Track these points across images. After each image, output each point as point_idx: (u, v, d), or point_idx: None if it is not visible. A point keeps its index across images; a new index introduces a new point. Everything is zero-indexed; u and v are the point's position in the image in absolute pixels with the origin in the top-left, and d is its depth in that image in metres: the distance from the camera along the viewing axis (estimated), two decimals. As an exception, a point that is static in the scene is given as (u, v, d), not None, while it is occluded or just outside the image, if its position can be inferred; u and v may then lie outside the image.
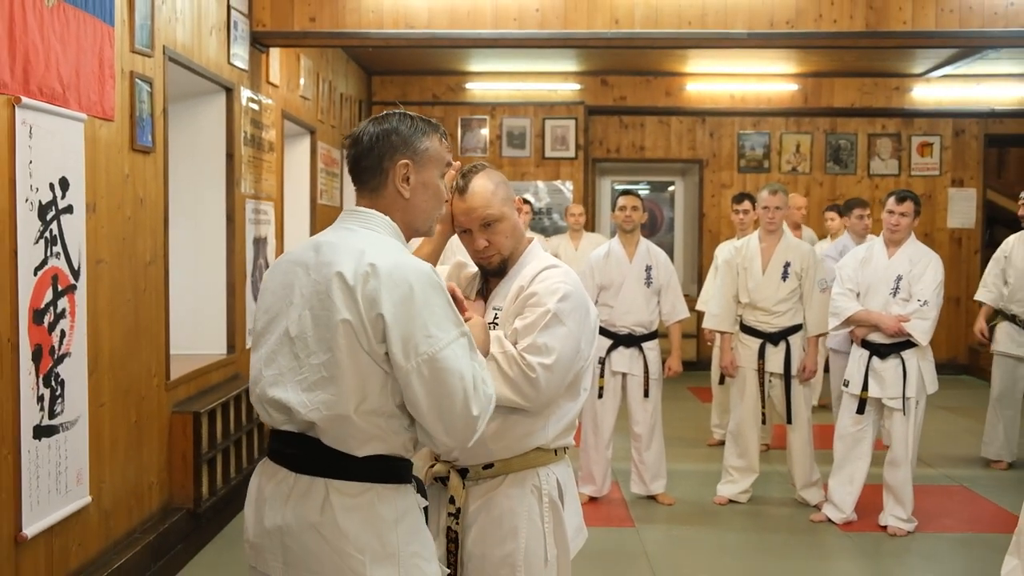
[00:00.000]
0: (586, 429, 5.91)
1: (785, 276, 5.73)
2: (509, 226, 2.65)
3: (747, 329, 5.85)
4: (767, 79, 10.89)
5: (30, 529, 3.68)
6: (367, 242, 2.22)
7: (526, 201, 9.49)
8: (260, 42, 6.61)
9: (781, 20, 6.30)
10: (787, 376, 5.76)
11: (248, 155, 6.53)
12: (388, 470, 2.21)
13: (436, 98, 11.15)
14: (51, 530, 3.88)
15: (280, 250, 7.31)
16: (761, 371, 5.78)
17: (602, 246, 6.03)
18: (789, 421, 5.78)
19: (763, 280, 5.77)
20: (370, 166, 2.29)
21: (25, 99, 3.60)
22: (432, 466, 2.72)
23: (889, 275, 5.30)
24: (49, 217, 3.83)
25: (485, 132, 11.12)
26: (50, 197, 3.83)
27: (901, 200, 5.30)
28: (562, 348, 2.53)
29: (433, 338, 2.11)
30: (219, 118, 6.12)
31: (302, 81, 7.97)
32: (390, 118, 2.32)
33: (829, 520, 5.55)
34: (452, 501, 2.65)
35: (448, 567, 2.61)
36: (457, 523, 2.63)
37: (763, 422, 5.91)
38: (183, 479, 5.16)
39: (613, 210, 6.00)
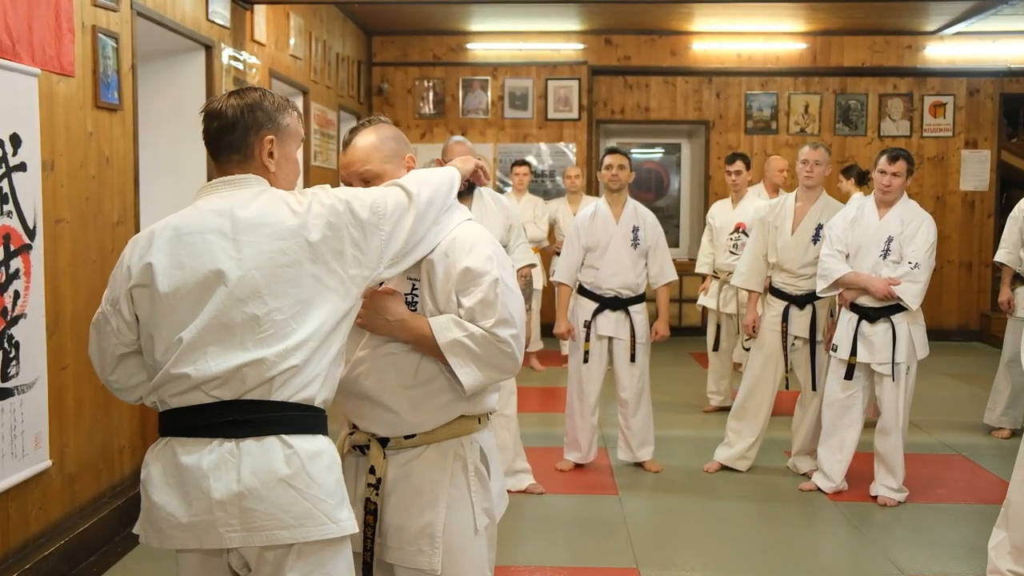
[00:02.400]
0: (571, 394, 5.79)
1: (816, 238, 5.53)
2: None
3: (774, 291, 5.69)
4: (775, 37, 10.63)
5: (-19, 493, 3.61)
6: (273, 195, 2.28)
7: (524, 163, 9.32)
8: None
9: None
10: (812, 341, 5.59)
11: (231, 115, 6.38)
12: (323, 421, 2.30)
13: (437, 58, 10.97)
14: (7, 494, 3.81)
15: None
16: (784, 335, 5.62)
17: (588, 206, 5.87)
18: (814, 387, 5.62)
19: (792, 241, 5.59)
20: (235, 140, 2.31)
21: (-32, 52, 3.49)
22: (351, 434, 2.63)
23: (880, 236, 5.12)
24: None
25: (487, 93, 10.94)
26: (0, 154, 3.72)
27: (893, 159, 5.11)
28: (519, 311, 2.50)
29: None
30: (198, 76, 6.00)
31: (292, 40, 7.81)
32: (252, 93, 2.35)
33: (819, 489, 5.42)
34: (372, 471, 2.55)
35: (366, 539, 2.51)
36: (376, 494, 2.52)
37: (786, 387, 5.75)
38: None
39: (598, 169, 5.83)
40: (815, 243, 5.51)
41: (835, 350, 5.28)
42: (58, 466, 4.19)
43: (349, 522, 2.24)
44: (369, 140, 2.55)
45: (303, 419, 2.23)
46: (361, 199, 2.30)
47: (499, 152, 10.89)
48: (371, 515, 2.55)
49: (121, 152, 4.81)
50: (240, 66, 6.55)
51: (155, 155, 5.69)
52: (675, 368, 9.12)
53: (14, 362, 3.81)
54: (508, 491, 5.15)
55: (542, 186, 10.76)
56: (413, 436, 2.54)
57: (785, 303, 5.62)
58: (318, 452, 2.23)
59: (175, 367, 2.18)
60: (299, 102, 8.28)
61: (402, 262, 2.37)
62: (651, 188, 11.72)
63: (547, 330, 8.25)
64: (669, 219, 11.63)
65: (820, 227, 5.52)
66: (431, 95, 11.01)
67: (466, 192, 4.93)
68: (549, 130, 10.93)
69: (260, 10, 6.90)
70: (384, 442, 2.55)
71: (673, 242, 11.39)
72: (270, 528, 2.15)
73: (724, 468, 5.81)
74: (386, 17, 10.07)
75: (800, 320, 5.59)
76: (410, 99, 11.01)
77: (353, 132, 2.59)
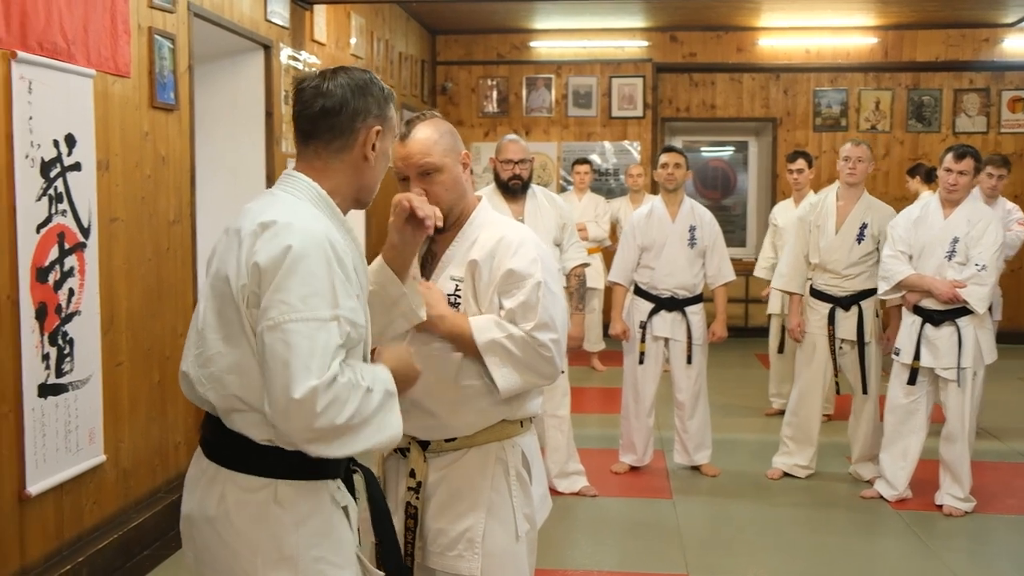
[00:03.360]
0: (627, 396, 5.71)
1: (860, 238, 5.38)
2: (449, 179, 2.46)
3: (816, 293, 5.55)
4: (844, 32, 10.38)
5: (35, 487, 3.67)
6: (279, 202, 2.04)
7: (585, 161, 9.24)
8: (303, -1, 6.50)
9: (844, -34, 5.91)
10: (860, 343, 5.44)
11: (290, 114, 6.43)
12: (293, 463, 1.99)
13: (501, 57, 10.94)
14: (61, 488, 3.87)
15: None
16: (831, 338, 5.48)
17: (644, 205, 5.78)
18: (864, 391, 5.47)
19: (835, 240, 5.44)
20: (339, 124, 2.05)
21: (21, 54, 3.54)
22: None
23: (945, 237, 4.94)
24: (53, 174, 3.78)
25: (551, 92, 10.88)
26: (54, 154, 3.78)
27: (960, 156, 4.93)
28: (561, 316, 2.46)
29: (287, 306, 1.88)
30: (257, 76, 6.04)
31: (353, 40, 7.85)
32: (358, 73, 2.10)
33: (881, 497, 5.26)
34: (412, 475, 2.52)
35: (407, 543, 2.48)
36: (417, 498, 2.49)
37: (837, 392, 5.59)
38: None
39: (655, 167, 5.74)
40: (859, 242, 5.36)
41: (897, 354, 5.12)
42: (112, 461, 4.25)
43: None
44: (427, 133, 2.44)
45: (253, 458, 2.03)
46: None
47: (563, 150, 10.82)
48: (411, 519, 2.52)
49: (177, 151, 4.86)
50: (299, 66, 6.59)
51: (212, 154, 5.75)
52: (739, 370, 8.97)
53: (68, 358, 3.88)
54: (561, 493, 5.15)
55: (606, 185, 10.67)
56: (454, 439, 2.50)
57: (830, 305, 5.47)
58: (249, 500, 2.02)
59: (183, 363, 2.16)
60: (361, 101, 8.31)
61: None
62: (717, 187, 11.54)
63: (608, 330, 8.16)
64: (736, 218, 11.45)
65: (865, 226, 5.36)
66: (495, 93, 10.99)
67: (519, 190, 4.91)
68: (613, 128, 10.83)
69: (320, 10, 6.93)
70: (425, 445, 2.52)
71: (740, 242, 11.22)
72: (203, 565, 2.09)
73: (785, 475, 5.67)
74: (450, 16, 10.07)
75: (847, 322, 5.43)
76: (474, 98, 11.00)
77: (409, 125, 2.47)
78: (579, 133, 10.87)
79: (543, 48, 10.89)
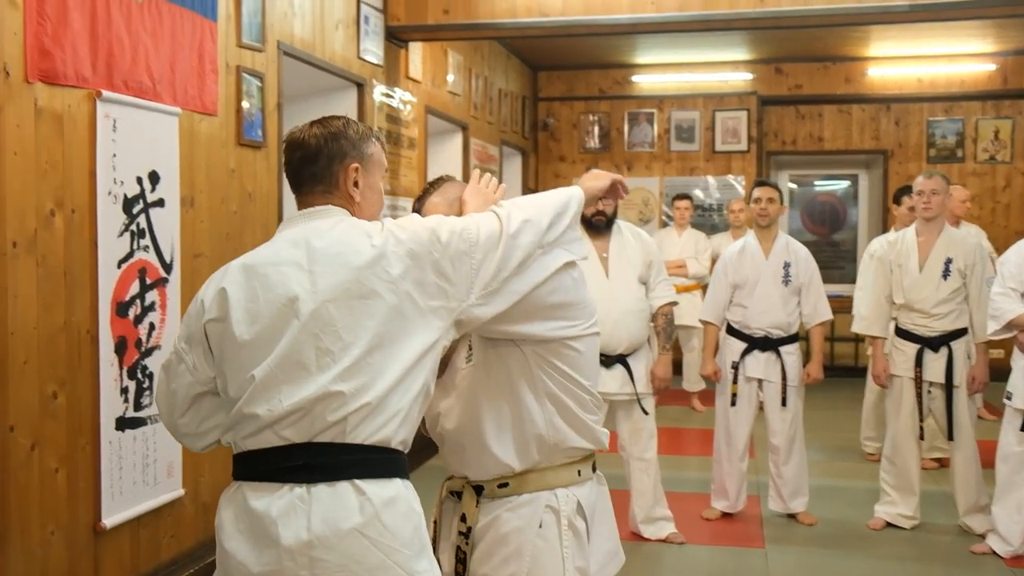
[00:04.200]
0: (719, 439, 5.50)
1: (946, 274, 5.12)
2: None
3: (903, 333, 5.27)
4: (959, 59, 9.98)
5: (110, 519, 3.70)
6: (351, 222, 2.22)
7: (686, 197, 9.07)
8: (397, 36, 6.56)
9: (949, -11, 5.67)
10: (949, 386, 5.14)
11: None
12: (403, 464, 2.17)
13: (602, 92, 10.88)
14: (137, 521, 3.90)
15: (422, 247, 7.23)
16: (919, 380, 5.19)
17: (737, 241, 5.60)
18: (951, 437, 5.17)
19: (920, 278, 5.18)
20: (319, 171, 2.25)
21: (107, 93, 3.62)
22: (449, 479, 2.55)
23: (1061, 274, 4.63)
24: (136, 210, 3.84)
25: (653, 126, 10.76)
26: (137, 191, 3.84)
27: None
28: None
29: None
30: (349, 113, 6.10)
31: (450, 77, 7.89)
32: (334, 121, 2.29)
33: (993, 552, 4.91)
34: (464, 519, 2.45)
35: None
36: (467, 542, 2.41)
37: (921, 437, 5.29)
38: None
39: (749, 202, 5.56)
40: (945, 279, 5.08)
41: (1009, 398, 4.80)
42: (191, 495, 4.27)
43: (428, 574, 2.12)
44: (434, 202, 2.48)
45: (379, 462, 2.11)
46: (450, 226, 2.19)
47: (665, 185, 10.67)
48: (460, 563, 2.46)
49: (265, 188, 4.92)
50: (394, 103, 6.64)
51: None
52: (847, 411, 8.59)
53: (147, 392, 3.92)
54: (646, 539, 4.97)
55: (709, 220, 10.45)
56: (506, 484, 2.42)
57: (918, 346, 5.17)
58: (393, 499, 2.10)
59: (247, 406, 2.11)
60: (458, 138, 8.36)
61: (498, 296, 2.20)
62: (826, 221, 11.19)
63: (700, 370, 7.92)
64: (846, 254, 11.07)
65: (950, 261, 5.08)
66: (596, 129, 10.92)
67: (603, 226, 4.80)
68: (717, 163, 10.63)
69: (415, 47, 6.99)
70: (479, 489, 2.46)
71: (851, 277, 10.80)
72: None
73: (888, 525, 5.36)
74: (551, 52, 10.07)
75: (936, 364, 5.13)
76: (575, 133, 10.96)
77: (427, 191, 2.53)
78: (682, 168, 10.70)
79: (645, 82, 10.79)
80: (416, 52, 7.03)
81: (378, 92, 6.38)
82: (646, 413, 4.84)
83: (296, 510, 2.06)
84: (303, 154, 2.25)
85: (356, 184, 2.26)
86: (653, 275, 4.93)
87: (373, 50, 6.22)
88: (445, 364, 2.52)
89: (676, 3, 6.02)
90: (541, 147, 11.04)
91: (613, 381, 4.80)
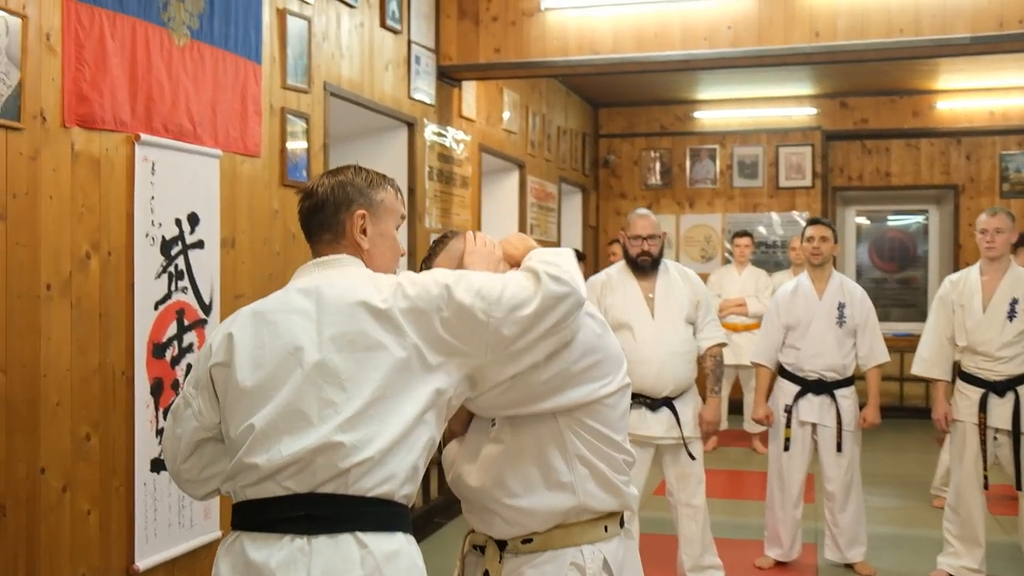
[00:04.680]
0: (771, 485, 5.33)
1: (1012, 315, 4.91)
2: None
3: (966, 377, 5.06)
4: (1034, 92, 9.69)
5: (144, 562, 3.70)
6: (363, 273, 2.18)
7: (746, 234, 8.91)
8: (449, 76, 6.57)
9: (1013, 19, 5.48)
10: (1016, 433, 4.91)
11: (435, 190, 6.48)
12: (404, 518, 2.11)
13: (664, 128, 10.80)
14: (172, 563, 3.89)
15: (475, 285, 7.21)
16: (983, 426, 4.97)
17: (790, 281, 5.45)
18: (1019, 487, 4.93)
19: (984, 319, 4.97)
20: (326, 219, 2.23)
21: (145, 136, 3.66)
22: (471, 533, 2.48)
23: None
24: (174, 252, 3.87)
25: (715, 162, 10.63)
26: (175, 232, 3.87)
27: None
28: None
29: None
30: (400, 153, 6.12)
31: (506, 115, 7.88)
32: (345, 171, 2.28)
33: (1064, 608, 4.67)
34: (487, 575, 2.37)
35: None
36: None
37: (985, 487, 5.06)
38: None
39: (802, 241, 5.41)
40: (1011, 320, 4.85)
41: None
42: (230, 536, 4.25)
43: None
44: (440, 262, 2.43)
45: (382, 516, 2.05)
46: (468, 282, 2.12)
47: (727, 222, 10.51)
48: None
49: (309, 228, 4.92)
50: (446, 141, 6.65)
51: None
52: (916, 454, 8.31)
53: (184, 433, 3.92)
54: (695, 588, 4.81)
55: (773, 257, 10.26)
56: (530, 540, 2.34)
57: (982, 391, 4.94)
58: (395, 552, 2.04)
59: (247, 455, 2.06)
60: (515, 176, 8.34)
61: (523, 356, 2.14)
62: (895, 258, 10.90)
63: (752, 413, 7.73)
64: (916, 291, 10.77)
65: (1015, 301, 4.85)
66: (658, 165, 10.83)
67: (649, 267, 4.71)
68: (780, 199, 10.44)
69: (469, 86, 7.00)
70: (503, 544, 2.38)
71: (921, 315, 10.50)
72: None
73: (952, 576, 5.13)
74: (611, 89, 10.03)
75: (1001, 410, 4.89)
76: (636, 170, 10.88)
77: (438, 245, 2.49)
78: (744, 204, 10.54)
79: (707, 118, 10.68)
80: (470, 91, 7.04)
81: (429, 131, 6.39)
82: (693, 458, 4.70)
83: (296, 562, 2.01)
84: (311, 203, 2.25)
85: (364, 231, 2.22)
86: (701, 315, 4.81)
87: (424, 89, 6.24)
88: (469, 421, 2.46)
89: (729, 39, 5.93)
90: (602, 184, 10.98)
91: (659, 424, 4.68)
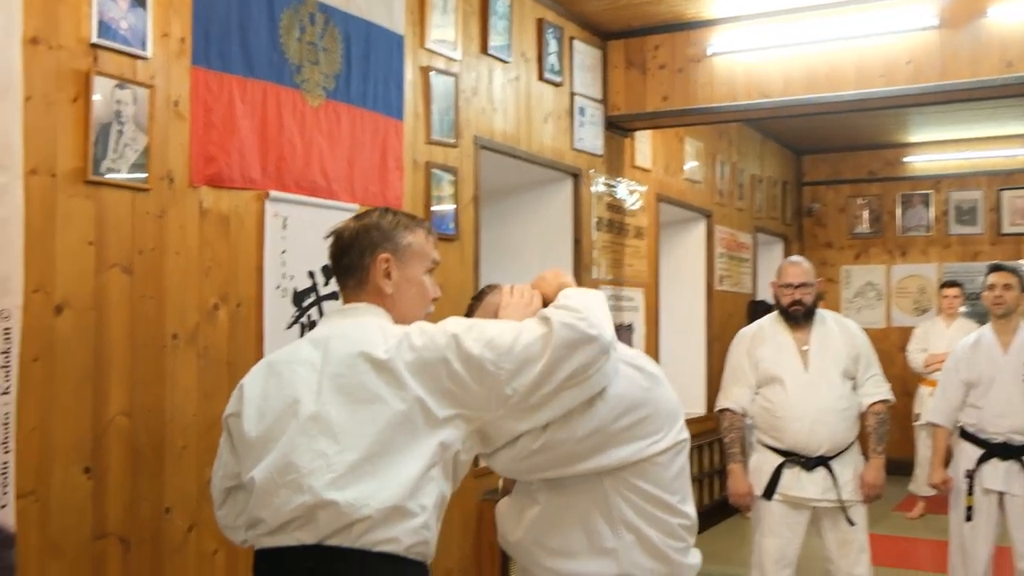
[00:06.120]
0: (954, 558, 4.83)
1: None
2: None
3: None
4: None
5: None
6: (375, 323, 2.13)
7: (954, 284, 8.25)
8: (618, 126, 6.52)
9: None
10: None
11: (604, 240, 6.42)
12: (416, 573, 2.04)
13: (872, 174, 10.26)
14: None
15: (652, 337, 7.07)
16: None
17: (971, 334, 4.97)
18: None
19: None
20: (351, 263, 2.23)
21: (275, 193, 3.83)
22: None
23: None
24: (307, 303, 4.00)
25: (929, 208, 9.96)
26: (308, 284, 4.01)
27: None
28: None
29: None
30: (564, 205, 6.11)
31: (688, 164, 7.73)
32: (371, 214, 2.28)
33: None
34: None
35: None
36: None
37: None
38: (491, 569, 5.07)
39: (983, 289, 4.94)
40: None
41: None
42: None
43: None
44: (478, 317, 2.36)
45: (388, 571, 1.98)
46: (479, 332, 2.05)
47: (943, 272, 9.78)
48: None
49: (457, 279, 4.98)
50: (617, 192, 6.58)
51: (510, 281, 5.85)
52: None
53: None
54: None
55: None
56: None
57: None
58: None
59: (254, 509, 2.07)
60: (701, 225, 8.14)
61: (543, 409, 2.05)
62: None
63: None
64: None
65: None
66: (866, 213, 10.27)
67: (801, 317, 4.46)
68: (1004, 247, 9.63)
69: (643, 136, 6.92)
70: None
71: None
72: None
73: None
74: (813, 134, 9.64)
75: None
76: (843, 218, 10.37)
77: (476, 299, 2.48)
78: (962, 252, 9.80)
79: (919, 162, 10.05)
80: (644, 140, 6.96)
81: (598, 182, 6.34)
82: (852, 524, 4.34)
83: None
84: (337, 247, 2.27)
85: (388, 275, 2.19)
86: (862, 369, 4.47)
87: (589, 139, 6.21)
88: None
89: (908, 75, 5.56)
90: (806, 233, 10.53)
91: (814, 486, 4.36)
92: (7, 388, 2.50)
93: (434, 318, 4.63)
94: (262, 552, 2.11)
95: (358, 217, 2.29)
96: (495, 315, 2.30)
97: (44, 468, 2.95)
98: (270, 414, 2.09)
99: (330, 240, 2.29)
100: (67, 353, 3.03)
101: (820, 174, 10.47)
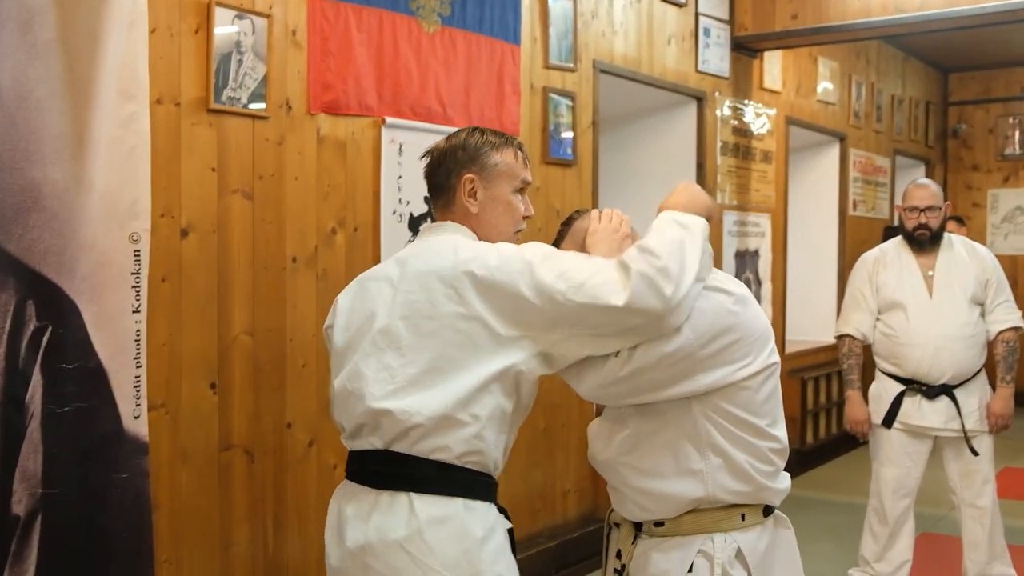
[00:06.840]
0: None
1: None
2: None
3: None
4: None
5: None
6: (455, 241, 2.17)
7: None
8: (746, 46, 6.35)
9: None
10: None
11: (729, 165, 6.31)
12: (476, 485, 2.09)
13: (1025, 92, 9.69)
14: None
15: (779, 264, 6.94)
16: None
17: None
18: None
19: None
20: (439, 183, 2.29)
21: (391, 119, 3.91)
22: (611, 510, 2.45)
23: None
24: (423, 227, 4.09)
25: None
26: (424, 209, 4.10)
27: None
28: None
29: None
30: (687, 129, 6.02)
31: (822, 85, 7.47)
32: (460, 133, 2.30)
33: None
34: (619, 555, 2.33)
35: None
36: None
37: None
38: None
39: None
40: None
41: None
42: (482, 500, 4.45)
43: None
44: (566, 246, 2.35)
45: (438, 479, 2.06)
46: (555, 262, 2.07)
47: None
48: None
49: (574, 206, 4.97)
50: (744, 115, 6.43)
51: (631, 208, 5.82)
52: None
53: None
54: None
55: None
56: (662, 524, 2.26)
57: None
58: (442, 518, 2.03)
59: (335, 415, 2.23)
60: (834, 149, 7.89)
61: (609, 339, 2.06)
62: None
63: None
64: None
65: None
66: (1017, 133, 9.73)
67: (927, 241, 4.31)
68: None
69: (772, 56, 6.71)
70: (639, 524, 2.33)
71: None
72: None
73: None
74: (962, 51, 9.14)
75: None
76: (991, 139, 9.86)
77: (566, 224, 2.44)
78: None
79: (1078, 78, 9.43)
80: (774, 61, 6.75)
81: (724, 105, 6.21)
82: (975, 454, 4.23)
83: (362, 514, 2.11)
84: (429, 168, 2.33)
85: (474, 195, 2.23)
86: (991, 295, 4.30)
87: (715, 62, 6.07)
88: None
89: (1058, -16, 5.22)
90: (951, 156, 10.05)
91: (936, 415, 4.25)
92: (138, 307, 2.66)
93: (546, 239, 4.68)
94: (351, 454, 2.24)
95: (449, 137, 2.33)
96: (583, 240, 2.31)
97: (173, 382, 3.15)
98: (353, 326, 2.19)
99: (425, 160, 2.35)
100: (193, 274, 3.21)
101: (968, 93, 9.95)
